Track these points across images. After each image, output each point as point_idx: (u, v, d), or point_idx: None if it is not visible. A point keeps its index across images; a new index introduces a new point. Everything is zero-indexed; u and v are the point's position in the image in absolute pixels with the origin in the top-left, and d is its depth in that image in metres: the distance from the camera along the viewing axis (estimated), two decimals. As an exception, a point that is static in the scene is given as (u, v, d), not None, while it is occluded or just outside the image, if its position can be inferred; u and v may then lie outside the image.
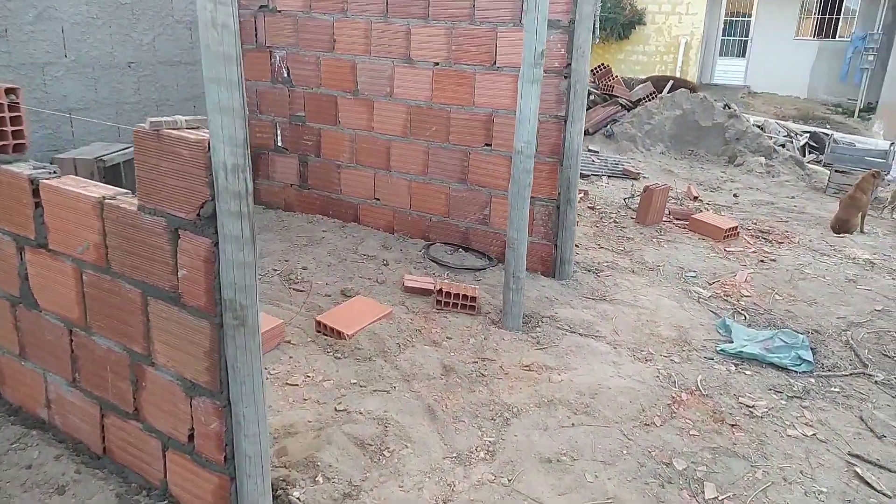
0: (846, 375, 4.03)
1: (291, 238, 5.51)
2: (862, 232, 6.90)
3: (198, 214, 2.16)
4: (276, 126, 6.13)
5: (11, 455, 2.74)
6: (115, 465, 2.72)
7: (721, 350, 4.18)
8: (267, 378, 3.45)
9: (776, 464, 3.15)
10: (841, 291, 5.26)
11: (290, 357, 3.66)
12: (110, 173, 4.58)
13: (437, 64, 5.24)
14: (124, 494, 2.58)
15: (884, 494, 2.99)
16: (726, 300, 4.97)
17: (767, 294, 5.13)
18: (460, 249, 5.42)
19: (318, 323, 3.95)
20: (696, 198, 7.73)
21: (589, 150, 9.36)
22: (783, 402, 3.67)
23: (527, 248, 4.22)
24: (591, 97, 11.06)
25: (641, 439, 3.24)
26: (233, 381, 2.26)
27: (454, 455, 3.03)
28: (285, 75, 5.95)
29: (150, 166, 2.26)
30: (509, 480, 2.89)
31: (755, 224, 6.89)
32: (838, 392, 3.84)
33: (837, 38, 19.69)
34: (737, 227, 6.48)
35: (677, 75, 18.46)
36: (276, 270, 4.80)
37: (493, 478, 2.90)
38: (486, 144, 5.18)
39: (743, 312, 4.78)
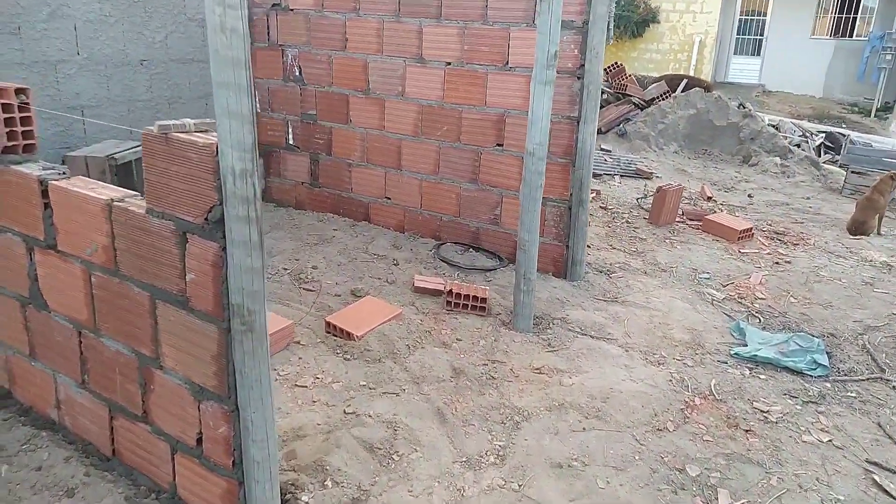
0: (863, 380, 3.97)
1: (302, 237, 5.50)
2: (879, 234, 6.81)
3: (206, 218, 2.14)
4: (288, 124, 6.12)
5: (22, 456, 2.73)
6: (125, 468, 2.71)
7: (735, 353, 4.12)
8: (276, 379, 3.43)
9: (791, 470, 3.10)
10: (857, 294, 5.19)
11: (300, 358, 3.65)
12: (122, 171, 4.58)
13: (450, 64, 5.21)
14: (133, 497, 2.57)
15: (902, 504, 2.94)
16: (740, 302, 4.91)
17: (782, 296, 5.06)
18: (471, 249, 5.39)
19: (328, 324, 3.93)
20: (709, 198, 7.65)
21: (601, 150, 9.30)
22: (798, 408, 3.62)
23: (538, 250, 4.18)
24: (604, 96, 10.99)
25: (654, 445, 3.20)
26: (240, 386, 2.24)
27: (464, 459, 3.00)
28: (297, 74, 5.93)
29: (159, 170, 2.24)
30: (519, 486, 2.86)
31: (770, 225, 6.82)
32: (855, 397, 3.78)
33: (854, 38, 19.47)
34: (751, 228, 6.40)
35: (691, 74, 18.33)
36: (286, 270, 4.79)
37: (504, 483, 2.87)
38: (498, 144, 5.14)
39: (757, 315, 4.72)
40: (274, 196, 6.38)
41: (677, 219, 6.69)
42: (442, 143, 5.39)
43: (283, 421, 3.10)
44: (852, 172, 8.63)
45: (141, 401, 2.57)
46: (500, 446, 3.10)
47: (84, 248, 2.56)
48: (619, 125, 10.43)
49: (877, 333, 4.53)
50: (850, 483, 3.05)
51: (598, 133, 5.21)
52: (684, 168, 9.32)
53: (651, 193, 7.08)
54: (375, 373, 3.56)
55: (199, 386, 2.36)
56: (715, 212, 7.03)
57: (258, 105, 6.20)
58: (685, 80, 11.91)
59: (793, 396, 3.72)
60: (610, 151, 9.40)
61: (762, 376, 3.91)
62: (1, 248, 2.88)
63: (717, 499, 2.88)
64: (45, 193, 2.62)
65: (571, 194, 4.90)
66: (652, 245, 5.98)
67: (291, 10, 5.80)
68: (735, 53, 21.63)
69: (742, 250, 6.01)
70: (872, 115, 17.40)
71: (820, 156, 10.51)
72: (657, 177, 8.58)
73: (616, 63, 11.53)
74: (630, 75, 11.69)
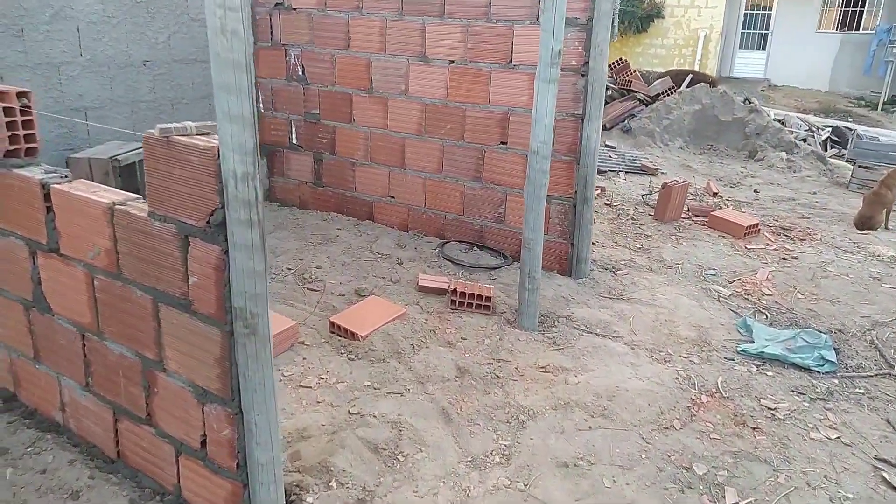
0: (871, 376, 3.94)
1: (306, 236, 5.50)
2: (886, 228, 6.76)
3: (207, 222, 2.13)
4: (291, 124, 6.12)
5: (26, 459, 2.74)
6: (129, 470, 2.71)
7: (742, 350, 4.10)
8: (280, 380, 3.43)
9: (799, 468, 3.08)
10: (865, 290, 5.15)
11: (304, 358, 3.64)
12: (125, 172, 4.58)
13: (453, 62, 5.19)
14: (138, 500, 2.57)
15: (911, 502, 2.91)
16: (747, 299, 4.88)
17: (789, 292, 5.03)
18: (475, 248, 5.38)
19: (332, 324, 3.92)
20: (715, 194, 7.61)
21: (606, 146, 9.26)
22: (806, 404, 3.60)
23: (543, 247, 4.17)
24: (609, 92, 10.92)
25: (660, 443, 3.18)
26: (244, 389, 2.23)
27: (469, 459, 2.99)
28: (300, 73, 5.92)
29: (160, 173, 2.23)
30: (525, 485, 2.85)
31: (776, 221, 6.78)
32: (863, 393, 3.75)
33: (861, 31, 19.35)
34: (757, 224, 6.36)
35: (696, 69, 18.25)
36: (290, 269, 4.78)
37: (509, 482, 2.86)
38: (502, 142, 5.13)
39: (764, 311, 4.69)
40: (278, 196, 6.38)
41: (683, 215, 6.66)
42: (446, 141, 5.38)
43: (288, 422, 3.10)
44: (859, 167, 8.57)
45: (145, 403, 2.57)
46: (505, 446, 3.09)
47: (86, 252, 2.56)
48: (623, 121, 10.39)
49: (885, 329, 4.50)
50: (859, 480, 3.02)
51: (602, 129, 5.18)
52: (689, 164, 9.28)
53: (656, 190, 7.05)
54: (380, 373, 3.56)
55: (203, 389, 2.35)
56: (721, 207, 7.00)
57: (261, 105, 6.19)
58: (690, 76, 11.84)
59: (800, 393, 3.70)
60: (614, 148, 9.36)
61: (769, 373, 3.89)
62: (4, 252, 2.88)
63: (724, 497, 2.86)
64: (47, 197, 2.62)
65: (576, 192, 4.88)
66: (657, 242, 5.96)
67: (294, 9, 5.79)
68: (740, 48, 21.52)
69: (748, 246, 5.98)
70: (879, 108, 17.29)
71: (826, 150, 10.45)
72: (662, 173, 8.54)
73: (620, 59, 11.46)
74: (635, 71, 11.63)
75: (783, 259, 5.71)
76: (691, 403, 3.52)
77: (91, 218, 2.50)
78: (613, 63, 11.12)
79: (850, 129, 11.01)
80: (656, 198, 6.78)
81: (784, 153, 9.49)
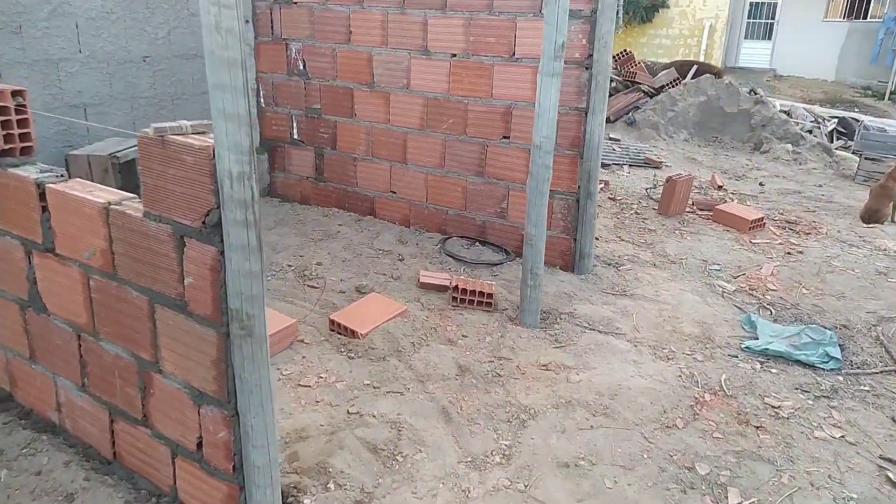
0: (876, 373, 3.90)
1: (307, 232, 5.47)
2: (893, 222, 6.69)
3: (203, 222, 2.11)
4: (292, 119, 6.08)
5: (21, 461, 2.72)
6: (125, 471, 2.70)
7: (746, 347, 4.06)
8: (279, 379, 3.41)
9: (803, 468, 3.04)
10: (871, 285, 5.10)
11: (303, 357, 3.62)
12: (125, 169, 4.56)
13: (455, 55, 5.14)
14: (133, 502, 2.56)
15: (917, 502, 2.88)
16: (751, 294, 4.84)
17: (794, 288, 4.99)
18: (477, 243, 5.34)
19: (332, 321, 3.90)
20: (720, 187, 7.55)
21: (610, 139, 9.20)
22: (810, 402, 3.56)
23: (545, 243, 4.13)
24: (613, 84, 10.87)
25: (663, 442, 3.15)
26: (240, 391, 2.21)
27: (469, 459, 2.96)
28: (301, 67, 5.88)
29: (156, 173, 2.20)
30: (525, 486, 2.83)
31: (781, 214, 6.72)
32: (868, 391, 3.71)
33: (869, 19, 19.18)
34: (763, 217, 6.31)
35: (701, 59, 18.15)
36: (290, 266, 4.76)
37: (509, 483, 2.84)
38: (504, 137, 5.08)
39: (769, 307, 4.65)
40: (279, 191, 6.36)
41: (687, 209, 6.61)
42: (448, 136, 5.33)
43: (286, 422, 3.08)
44: (866, 159, 8.49)
45: (141, 405, 2.55)
46: (505, 446, 3.06)
47: (82, 252, 2.54)
48: (627, 113, 10.33)
49: (891, 325, 4.45)
50: (864, 480, 2.99)
51: (606, 122, 5.12)
52: (694, 156, 9.22)
53: (660, 183, 7.00)
54: (380, 371, 3.53)
55: (199, 391, 2.33)
56: (726, 201, 6.94)
57: (262, 100, 6.16)
58: (695, 67, 11.76)
59: (804, 391, 3.66)
60: (619, 140, 9.31)
61: (773, 370, 3.85)
62: (0, 252, 2.86)
63: (727, 498, 2.83)
64: (42, 196, 2.60)
65: (579, 187, 4.83)
66: (661, 236, 5.91)
67: (295, 2, 5.74)
68: (746, 38, 21.39)
69: (753, 240, 5.93)
70: (886, 98, 17.17)
71: (832, 142, 10.36)
72: (667, 166, 8.48)
73: (625, 50, 11.41)
74: (639, 62, 11.57)
75: (788, 253, 5.66)
76: (694, 402, 3.48)
77: (86, 218, 2.47)
78: (618, 54, 11.06)
79: (857, 120, 10.91)
80: (660, 192, 6.73)
81: (790, 145, 9.41)
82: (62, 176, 2.66)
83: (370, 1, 5.38)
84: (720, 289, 4.90)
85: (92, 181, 4.46)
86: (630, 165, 8.39)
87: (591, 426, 3.23)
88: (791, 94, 16.85)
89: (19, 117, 2.69)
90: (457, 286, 4.25)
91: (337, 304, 4.22)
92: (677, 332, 4.20)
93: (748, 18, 21.13)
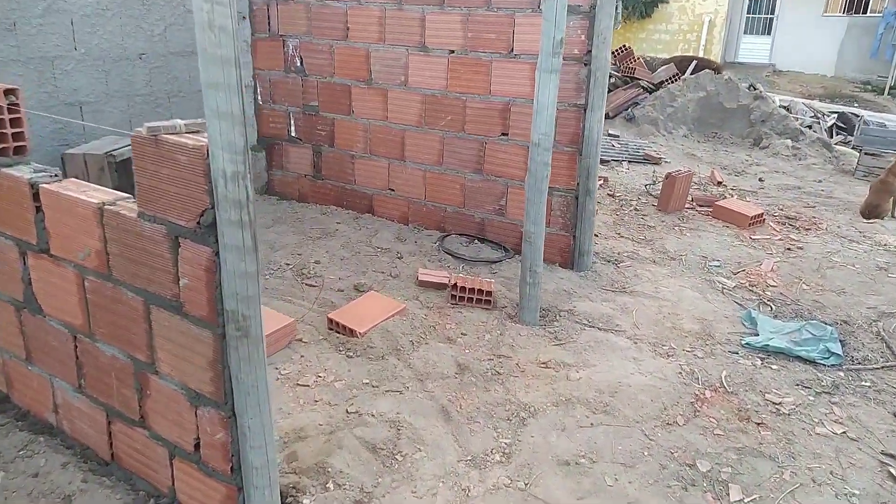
0: (877, 368, 3.88)
1: (305, 230, 5.44)
2: (893, 217, 6.67)
3: (198, 223, 2.09)
4: (290, 116, 6.05)
5: (18, 463, 2.70)
6: (123, 472, 2.68)
7: (746, 343, 4.04)
8: (277, 379, 3.39)
9: (804, 464, 3.03)
10: (871, 280, 5.08)
11: (302, 356, 3.60)
12: (121, 168, 4.52)
13: (453, 52, 5.11)
14: (132, 503, 2.54)
15: (919, 499, 2.86)
16: (752, 290, 4.82)
17: (794, 284, 4.97)
18: (476, 241, 5.32)
19: (330, 320, 3.88)
20: (720, 183, 7.53)
21: (609, 135, 9.17)
22: (811, 399, 3.54)
23: (544, 240, 4.11)
24: (612, 80, 10.83)
25: (663, 440, 3.14)
26: (237, 392, 2.19)
27: (469, 458, 2.95)
28: (298, 64, 5.85)
29: (149, 172, 2.18)
30: (526, 484, 2.81)
31: (781, 210, 6.69)
32: (869, 386, 3.69)
33: (869, 14, 19.13)
34: (762, 213, 6.29)
35: (701, 54, 18.11)
36: (288, 265, 4.73)
37: (509, 482, 2.82)
38: (503, 134, 5.05)
39: (769, 303, 4.63)
40: (276, 189, 6.33)
41: (687, 205, 6.58)
42: (446, 133, 5.31)
43: (285, 422, 3.06)
44: (866, 154, 8.46)
45: (138, 406, 2.53)
46: (505, 444, 3.05)
47: (77, 253, 2.52)
48: (627, 109, 10.29)
49: (891, 320, 4.43)
50: (866, 476, 2.98)
51: (605, 118, 5.10)
52: (694, 152, 9.19)
53: (660, 179, 6.98)
54: (378, 370, 3.51)
55: (196, 392, 2.31)
56: (725, 197, 6.92)
57: (260, 97, 6.13)
58: (694, 62, 11.73)
59: (805, 387, 3.64)
60: (618, 136, 9.28)
61: (774, 366, 3.83)
62: (-5, 252, 2.84)
63: (728, 495, 2.82)
64: (36, 197, 2.58)
65: (578, 183, 4.81)
66: (661, 233, 5.89)
67: (291, -1, 5.71)
68: (745, 33, 21.35)
69: (753, 236, 5.91)
70: (886, 93, 17.13)
71: (832, 137, 10.33)
72: (666, 162, 8.45)
73: (624, 46, 11.36)
74: (638, 58, 11.54)
75: (788, 249, 5.64)
76: (695, 399, 3.47)
77: (80, 218, 2.45)
78: (617, 50, 11.02)
79: (857, 115, 10.87)
80: (660, 188, 6.71)
81: (789, 140, 9.38)
82: (56, 176, 2.64)
83: (367, -3, 5.36)
84: (720, 285, 4.88)
85: (88, 180, 4.45)
86: (629, 162, 8.37)
87: (592, 424, 3.22)
88: (790, 89, 16.82)
89: (12, 116, 2.67)
90: (456, 284, 4.23)
91: (335, 303, 4.20)
92: (677, 329, 4.19)
93: (747, 13, 21.08)
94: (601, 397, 3.42)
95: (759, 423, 3.30)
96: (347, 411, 3.17)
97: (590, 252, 4.96)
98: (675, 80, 10.66)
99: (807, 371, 3.81)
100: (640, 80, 10.92)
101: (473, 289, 4.21)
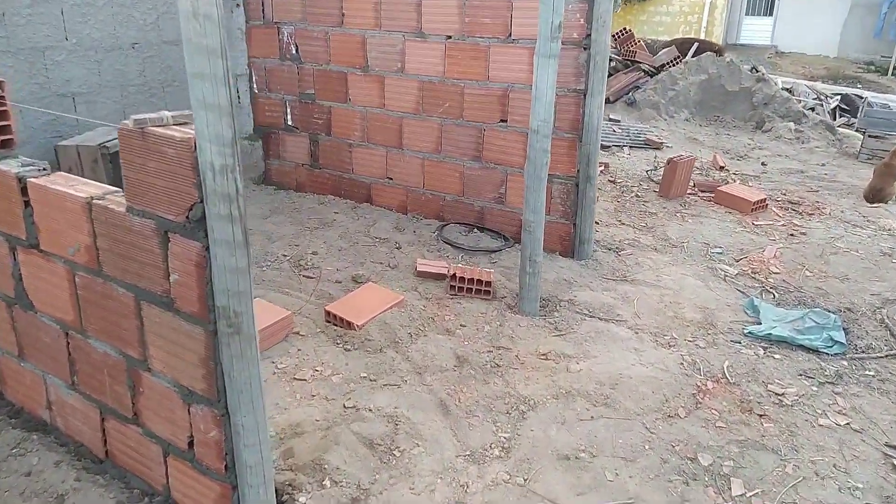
0: (881, 357, 3.84)
1: (302, 220, 5.39)
2: (898, 201, 6.60)
3: (187, 217, 2.03)
4: (286, 104, 5.98)
5: (11, 461, 2.67)
6: (118, 470, 2.65)
7: (749, 332, 4.00)
8: (274, 373, 3.35)
9: (807, 457, 2.99)
10: (875, 266, 5.03)
11: (299, 350, 3.56)
12: (115, 159, 4.45)
13: (450, 37, 5.03)
14: (126, 502, 2.51)
15: (924, 491, 2.83)
16: (754, 278, 4.77)
17: (797, 270, 4.91)
18: (475, 230, 5.26)
19: (328, 312, 3.83)
20: (722, 167, 7.45)
21: (610, 120, 9.08)
22: (814, 389, 3.50)
23: (544, 229, 4.05)
24: (612, 63, 10.72)
25: (664, 433, 3.10)
26: (230, 390, 2.15)
27: (467, 453, 2.91)
28: (294, 52, 5.77)
29: (137, 166, 2.13)
30: (525, 480, 2.78)
31: (784, 195, 6.62)
32: (873, 376, 3.65)
33: (872, -7, 18.93)
34: (765, 199, 6.22)
35: (702, 36, 17.94)
36: (285, 256, 4.68)
37: (509, 477, 2.79)
38: (502, 120, 4.98)
39: (772, 291, 4.58)
40: (274, 178, 6.27)
41: (689, 191, 6.51)
42: (444, 120, 5.24)
43: (281, 417, 3.02)
44: (869, 136, 8.37)
45: (131, 403, 2.49)
46: (504, 438, 3.01)
47: (66, 248, 2.47)
48: (627, 94, 10.19)
49: (896, 307, 4.39)
50: (869, 469, 2.94)
51: (606, 102, 5.02)
52: (695, 136, 9.10)
53: (661, 165, 6.90)
54: (376, 364, 3.47)
55: (188, 389, 2.27)
56: (727, 182, 6.85)
57: (255, 85, 6.05)
58: (696, 44, 11.61)
59: (809, 377, 3.60)
60: (619, 121, 9.19)
61: (777, 356, 3.79)
62: (-16, 248, 2.79)
63: (730, 489, 2.78)
64: (24, 191, 2.52)
65: (578, 170, 4.74)
66: (662, 219, 5.83)
67: (285, -15, 5.62)
68: (747, 14, 21.14)
69: (756, 222, 5.84)
70: (889, 73, 16.96)
71: (835, 119, 10.23)
72: (668, 146, 8.37)
73: (624, 29, 11.23)
74: (639, 41, 11.40)
75: (791, 235, 5.58)
76: (696, 390, 3.42)
77: (69, 213, 2.40)
78: (617, 33, 10.90)
79: (860, 97, 10.75)
80: (661, 173, 6.63)
81: (792, 123, 9.29)
82: (45, 170, 2.58)
83: (363, -18, 5.27)
84: (722, 272, 4.83)
85: (82, 171, 4.40)
86: (630, 147, 8.28)
87: (592, 417, 3.18)
88: (793, 70, 16.65)
89: (-1, 109, 2.62)
90: (455, 274, 4.18)
91: (333, 295, 4.15)
92: (679, 318, 4.14)
93: (749, -6, 20.86)
94: (602, 389, 3.38)
95: (761, 415, 3.26)
96: (345, 406, 3.13)
97: (590, 240, 4.90)
98: (677, 63, 10.55)
99: (810, 360, 3.76)
100: (640, 63, 10.81)
101: (472, 279, 4.16)
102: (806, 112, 9.61)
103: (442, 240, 5.06)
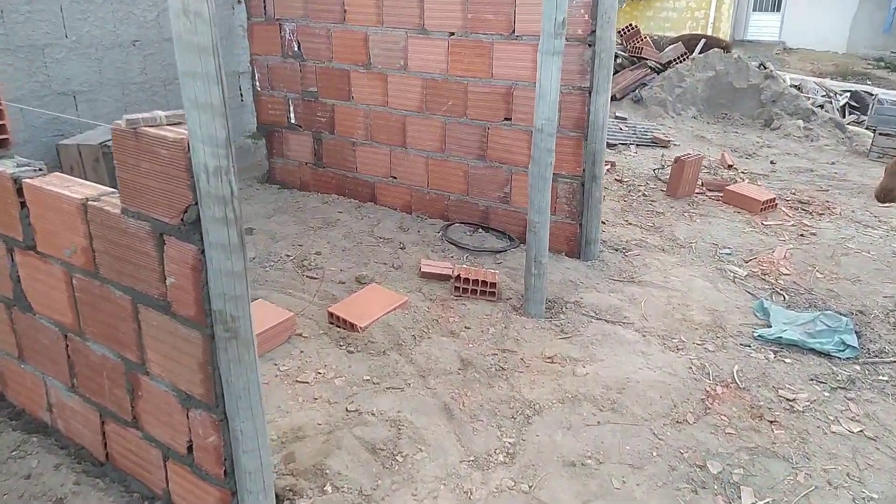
0: (895, 361, 3.76)
1: (306, 220, 5.33)
2: (909, 200, 6.50)
3: (182, 219, 1.99)
4: (289, 102, 5.92)
5: (10, 464, 2.63)
6: (118, 474, 2.61)
7: (758, 336, 3.92)
8: (276, 375, 3.30)
9: (820, 465, 2.92)
10: (887, 267, 4.94)
11: (301, 352, 3.51)
12: (117, 158, 4.42)
13: (453, 34, 4.96)
14: (124, 507, 2.46)
15: (940, 500, 2.75)
16: (764, 279, 4.69)
17: (808, 272, 4.83)
18: (480, 230, 5.20)
19: (331, 314, 3.78)
20: (730, 166, 7.36)
21: (616, 117, 9.00)
22: (826, 394, 3.42)
23: (550, 229, 3.98)
24: (619, 60, 10.63)
25: (673, 439, 3.03)
26: (228, 395, 2.11)
27: (471, 459, 2.85)
28: (296, 49, 5.71)
29: (130, 167, 2.08)
30: (530, 486, 2.72)
31: (794, 194, 6.53)
32: (887, 381, 3.57)
33: (881, -12, 18.74)
34: (774, 198, 6.13)
35: (709, 32, 17.81)
36: (289, 256, 4.63)
37: (513, 484, 2.73)
38: (506, 119, 4.92)
39: (782, 293, 4.50)
40: (278, 177, 6.21)
41: (696, 190, 6.43)
42: (447, 118, 5.17)
43: (283, 420, 2.97)
44: (880, 134, 8.26)
45: (130, 406, 2.45)
46: (509, 443, 2.95)
47: (63, 249, 2.42)
48: (634, 91, 10.10)
49: (909, 309, 4.31)
50: (884, 478, 2.87)
51: (612, 100, 4.95)
52: (703, 134, 9.01)
53: (669, 163, 6.82)
54: (379, 366, 3.42)
55: (187, 394, 2.23)
56: (736, 181, 6.77)
57: (258, 83, 5.99)
58: (703, 41, 11.50)
59: (820, 382, 3.52)
60: (625, 119, 9.11)
61: (787, 360, 3.72)
62: (-19, 249, 2.75)
63: (739, 498, 2.72)
64: (20, 192, 2.48)
65: (584, 169, 4.67)
66: (670, 219, 5.75)
67: (288, -19, 5.56)
68: (754, 10, 20.97)
69: (765, 222, 5.76)
70: (899, 70, 16.80)
71: (844, 117, 10.11)
72: (675, 145, 8.28)
73: (630, 25, 11.13)
74: (645, 37, 11.30)
75: (801, 235, 5.50)
76: (705, 395, 3.36)
77: (65, 214, 2.36)
78: (623, 29, 10.81)
79: (870, 94, 10.62)
80: (668, 172, 6.55)
81: (801, 121, 9.18)
82: (40, 170, 2.54)
83: (366, -22, 5.20)
84: (731, 274, 4.75)
85: (83, 171, 4.35)
86: (637, 145, 8.20)
87: (598, 422, 3.12)
88: (801, 67, 16.51)
89: (-6, 109, 2.57)
90: (459, 275, 4.12)
91: (336, 296, 4.10)
92: (687, 321, 4.07)
93: (757, -10, 20.71)
94: (608, 394, 3.31)
95: (772, 421, 3.19)
96: (347, 409, 3.08)
97: (597, 240, 4.83)
98: (684, 60, 10.45)
99: (821, 365, 3.69)
100: (647, 59, 10.71)
101: (477, 280, 4.10)
102: (815, 109, 9.50)
103: (446, 240, 5.00)
